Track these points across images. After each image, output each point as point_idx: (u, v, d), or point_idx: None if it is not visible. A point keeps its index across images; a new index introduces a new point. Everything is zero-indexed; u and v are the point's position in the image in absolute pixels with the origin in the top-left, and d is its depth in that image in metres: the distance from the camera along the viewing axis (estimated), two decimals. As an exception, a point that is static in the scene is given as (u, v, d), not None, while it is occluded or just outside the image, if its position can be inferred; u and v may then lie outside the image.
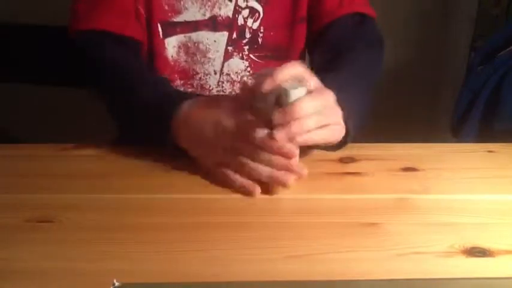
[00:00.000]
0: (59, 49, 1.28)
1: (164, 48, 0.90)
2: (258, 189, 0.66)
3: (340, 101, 0.68)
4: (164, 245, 0.57)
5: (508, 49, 1.09)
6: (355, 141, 0.78)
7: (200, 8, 0.88)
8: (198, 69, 0.92)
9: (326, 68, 0.80)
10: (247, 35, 0.91)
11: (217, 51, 0.91)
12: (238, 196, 0.67)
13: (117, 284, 0.50)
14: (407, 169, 0.74)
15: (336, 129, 0.68)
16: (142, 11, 0.87)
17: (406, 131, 0.95)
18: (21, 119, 1.54)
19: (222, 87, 0.93)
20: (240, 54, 0.92)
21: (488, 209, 0.65)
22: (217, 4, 0.89)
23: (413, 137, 0.78)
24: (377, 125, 1.17)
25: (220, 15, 0.89)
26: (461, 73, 1.42)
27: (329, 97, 0.67)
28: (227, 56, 0.92)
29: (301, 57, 0.96)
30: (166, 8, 0.88)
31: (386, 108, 1.75)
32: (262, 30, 0.91)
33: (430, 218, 0.63)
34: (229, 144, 0.67)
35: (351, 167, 0.74)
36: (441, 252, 0.57)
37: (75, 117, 1.65)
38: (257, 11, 0.91)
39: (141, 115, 0.73)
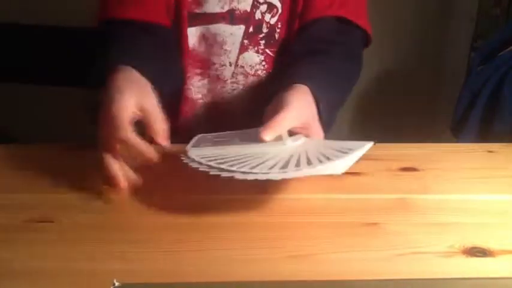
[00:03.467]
0: (59, 49, 1.29)
1: (186, 37, 0.92)
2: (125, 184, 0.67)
3: (315, 93, 0.73)
4: (164, 245, 0.57)
5: (508, 49, 1.09)
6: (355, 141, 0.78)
7: (219, 1, 0.91)
8: (214, 60, 0.94)
9: (300, 59, 0.85)
10: (264, 30, 0.93)
11: (233, 43, 0.93)
12: (238, 196, 0.67)
13: (117, 284, 0.50)
14: (407, 169, 0.74)
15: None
16: (172, 0, 0.90)
17: (406, 131, 0.95)
18: (21, 119, 1.55)
19: (236, 78, 0.95)
20: (256, 48, 0.94)
21: (488, 209, 0.65)
22: None
23: (413, 137, 0.79)
24: (377, 125, 1.17)
25: (238, 9, 0.92)
26: (461, 73, 1.43)
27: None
28: (242, 49, 0.94)
29: None
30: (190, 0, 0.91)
31: (386, 108, 1.75)
32: (279, 26, 0.93)
33: (430, 218, 0.63)
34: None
35: (351, 167, 0.74)
36: (441, 252, 0.57)
37: (75, 117, 1.65)
38: (275, 6, 0.93)
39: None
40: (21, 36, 1.28)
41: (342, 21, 0.92)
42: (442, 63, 1.79)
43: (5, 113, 1.49)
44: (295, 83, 0.75)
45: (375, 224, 0.61)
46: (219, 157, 0.66)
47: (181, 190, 0.68)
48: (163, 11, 0.90)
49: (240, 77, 0.95)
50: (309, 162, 0.60)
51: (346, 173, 0.72)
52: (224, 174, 0.61)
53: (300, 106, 0.71)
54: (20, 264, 0.54)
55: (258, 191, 0.68)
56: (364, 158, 0.76)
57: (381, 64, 1.74)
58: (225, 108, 0.95)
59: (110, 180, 0.67)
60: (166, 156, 0.73)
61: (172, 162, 0.72)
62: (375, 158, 0.76)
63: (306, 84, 0.74)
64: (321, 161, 0.60)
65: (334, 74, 0.83)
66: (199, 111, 0.97)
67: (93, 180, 0.70)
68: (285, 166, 0.60)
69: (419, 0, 1.72)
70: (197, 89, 0.95)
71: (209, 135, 0.78)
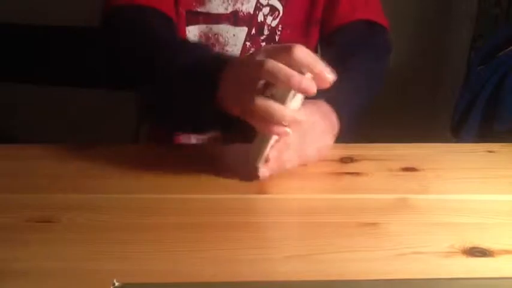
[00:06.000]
0: (59, 49, 1.29)
1: (185, 35, 0.92)
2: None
3: (334, 105, 0.73)
4: (164, 245, 0.57)
5: (508, 49, 1.09)
6: (355, 141, 0.78)
7: (223, 2, 0.91)
8: None
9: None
10: (266, 32, 0.93)
11: (235, 45, 0.93)
12: (238, 196, 0.67)
13: (117, 284, 0.50)
14: (407, 169, 0.74)
15: (324, 147, 0.73)
16: None
17: (406, 131, 0.95)
18: (21, 119, 1.55)
19: None
20: None
21: (488, 209, 0.65)
22: (240, 0, 0.92)
23: (413, 137, 0.78)
24: (377, 125, 1.17)
25: (242, 10, 0.92)
26: (461, 73, 1.42)
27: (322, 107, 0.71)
28: (244, 50, 0.93)
29: None
30: None
31: (386, 108, 1.75)
32: (280, 29, 0.93)
33: (430, 218, 0.63)
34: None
35: (351, 167, 0.74)
36: (441, 252, 0.57)
37: (75, 118, 1.65)
38: (277, 9, 0.93)
39: (185, 76, 0.70)
40: (21, 36, 1.28)
41: (366, 22, 0.92)
42: (442, 63, 1.79)
43: (5, 113, 1.49)
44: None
45: (375, 224, 0.61)
46: None
47: (181, 190, 0.68)
48: (170, 2, 0.89)
49: None
50: None
51: (346, 173, 0.72)
52: None
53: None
54: (20, 264, 0.54)
55: (258, 191, 0.68)
56: (364, 158, 0.76)
57: (380, 64, 1.74)
58: None
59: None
60: (166, 156, 0.73)
61: (172, 162, 0.72)
62: (375, 158, 0.76)
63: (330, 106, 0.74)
64: None
65: (356, 89, 0.82)
66: None
67: (93, 180, 0.70)
68: None
69: (420, 0, 1.72)
70: None
71: None
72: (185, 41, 0.86)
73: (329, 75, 0.61)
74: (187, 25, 0.92)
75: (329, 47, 0.93)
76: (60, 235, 0.59)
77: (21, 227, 0.60)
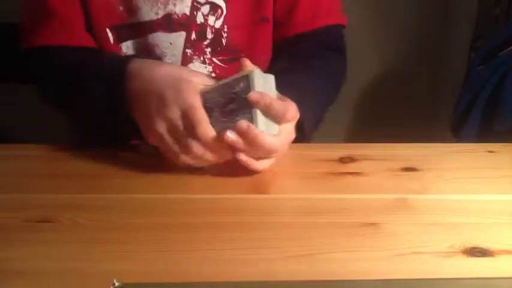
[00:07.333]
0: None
1: (121, 53, 0.82)
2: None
3: (298, 104, 0.69)
4: (164, 245, 0.57)
5: (508, 49, 1.09)
6: (355, 141, 0.78)
7: (153, 6, 0.79)
8: None
9: (287, 69, 0.79)
10: (209, 35, 0.81)
11: (174, 55, 0.81)
12: (238, 196, 0.67)
13: (117, 284, 0.50)
14: (407, 169, 0.74)
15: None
16: (83, 18, 0.81)
17: (406, 131, 0.95)
18: (21, 119, 1.54)
19: None
20: (202, 58, 0.83)
21: (489, 209, 0.65)
22: (171, 0, 0.79)
23: (413, 137, 0.78)
24: (377, 125, 1.17)
25: (175, 12, 0.79)
26: (461, 73, 1.42)
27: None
28: (186, 60, 0.82)
29: (266, 62, 0.89)
30: (120, 9, 0.80)
31: (386, 108, 1.75)
32: (226, 29, 0.82)
33: (430, 218, 0.63)
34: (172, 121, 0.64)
35: (351, 167, 0.74)
36: (441, 252, 0.57)
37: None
38: (219, 7, 0.81)
39: (93, 86, 0.70)
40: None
41: (326, 27, 0.86)
42: (442, 63, 1.78)
43: (5, 113, 1.49)
44: None
45: (375, 224, 0.61)
46: None
47: (181, 190, 0.68)
48: (81, 31, 0.81)
49: None
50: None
51: (346, 173, 0.72)
52: None
53: None
54: (20, 264, 0.54)
55: (258, 191, 0.68)
56: (364, 158, 0.76)
57: (380, 64, 1.74)
58: None
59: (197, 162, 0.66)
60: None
61: (172, 162, 0.72)
62: (375, 158, 0.76)
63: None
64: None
65: (320, 90, 0.79)
66: None
67: (93, 180, 0.70)
68: None
69: (420, 0, 1.72)
70: None
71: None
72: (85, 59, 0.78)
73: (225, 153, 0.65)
74: (120, 42, 0.81)
75: (287, 50, 0.84)
76: (59, 235, 0.59)
77: (20, 227, 0.60)
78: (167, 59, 0.81)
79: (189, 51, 0.82)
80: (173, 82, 0.64)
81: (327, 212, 0.64)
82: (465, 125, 1.11)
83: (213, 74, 0.83)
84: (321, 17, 0.85)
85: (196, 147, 0.64)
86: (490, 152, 0.79)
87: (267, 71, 0.69)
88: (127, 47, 0.82)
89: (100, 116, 0.71)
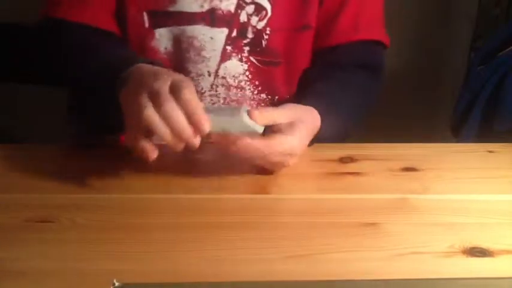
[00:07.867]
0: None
1: (154, 39, 0.81)
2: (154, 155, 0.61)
3: (322, 114, 0.71)
4: (164, 245, 0.57)
5: (508, 49, 1.09)
6: (355, 141, 0.78)
7: None
8: (190, 68, 0.82)
9: (317, 79, 0.80)
10: (249, 35, 0.82)
11: (214, 50, 0.81)
12: (238, 196, 0.67)
13: (117, 284, 0.50)
14: (407, 169, 0.74)
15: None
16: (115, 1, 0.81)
17: (406, 131, 0.95)
18: (21, 119, 1.55)
19: (216, 91, 0.84)
20: (239, 56, 0.83)
21: (488, 209, 0.65)
22: None
23: (413, 137, 0.78)
24: (377, 125, 1.17)
25: (220, 8, 0.79)
26: (461, 73, 1.42)
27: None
28: (225, 56, 0.82)
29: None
30: None
31: (386, 108, 1.74)
32: (268, 32, 0.82)
33: (430, 218, 0.63)
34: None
35: (351, 167, 0.74)
36: (441, 252, 0.57)
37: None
38: (264, 8, 0.81)
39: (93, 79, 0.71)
40: (20, 36, 1.28)
41: (367, 42, 0.85)
42: (442, 63, 1.78)
43: (5, 113, 1.49)
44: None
45: (375, 224, 0.61)
46: None
47: (181, 190, 0.68)
48: (108, 15, 0.81)
49: (221, 89, 0.84)
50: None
51: (346, 173, 0.72)
52: None
53: (300, 111, 0.69)
54: (20, 264, 0.54)
55: (258, 191, 0.68)
56: (364, 158, 0.76)
57: (380, 64, 1.74)
58: None
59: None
60: (165, 156, 0.73)
61: (172, 162, 0.72)
62: (375, 158, 0.76)
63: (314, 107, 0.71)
64: None
65: (351, 107, 0.79)
66: None
67: (93, 180, 0.70)
68: None
69: (420, 0, 1.72)
70: None
71: None
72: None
73: (205, 125, 0.58)
74: (154, 28, 0.80)
75: (325, 62, 0.85)
76: (59, 235, 0.59)
77: (20, 227, 0.60)
78: (206, 53, 0.81)
79: (228, 48, 0.82)
80: (167, 71, 0.64)
81: (327, 212, 0.64)
82: (465, 125, 1.11)
83: (247, 73, 0.84)
84: (362, 30, 0.85)
85: (177, 115, 0.58)
86: (490, 152, 0.79)
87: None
88: (160, 34, 0.81)
89: (98, 99, 0.72)
